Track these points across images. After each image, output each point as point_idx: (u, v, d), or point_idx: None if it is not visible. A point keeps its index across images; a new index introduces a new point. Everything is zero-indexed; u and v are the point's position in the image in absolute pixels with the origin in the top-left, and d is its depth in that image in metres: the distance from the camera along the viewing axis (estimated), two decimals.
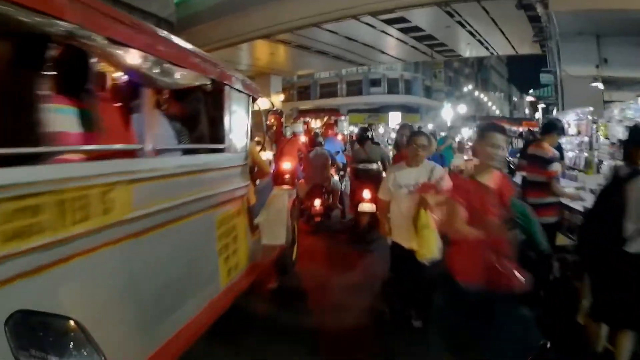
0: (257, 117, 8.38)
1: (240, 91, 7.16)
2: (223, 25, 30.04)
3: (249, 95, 7.64)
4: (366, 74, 70.72)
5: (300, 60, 43.63)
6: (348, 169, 15.36)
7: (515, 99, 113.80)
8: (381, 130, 36.70)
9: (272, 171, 12.06)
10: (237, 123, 6.99)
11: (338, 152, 15.92)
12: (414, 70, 74.38)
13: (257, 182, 8.53)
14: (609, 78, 24.85)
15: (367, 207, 11.72)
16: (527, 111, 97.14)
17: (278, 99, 47.08)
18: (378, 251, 10.83)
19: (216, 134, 6.59)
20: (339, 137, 20.34)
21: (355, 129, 33.85)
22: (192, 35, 28.22)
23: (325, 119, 19.63)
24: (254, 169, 8.12)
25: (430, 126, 37.22)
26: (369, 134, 13.36)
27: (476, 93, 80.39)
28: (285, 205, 8.69)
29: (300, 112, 48.87)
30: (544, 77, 29.48)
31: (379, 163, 12.36)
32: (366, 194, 11.74)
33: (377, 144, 13.97)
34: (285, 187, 10.28)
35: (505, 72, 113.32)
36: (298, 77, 66.04)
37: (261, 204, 8.20)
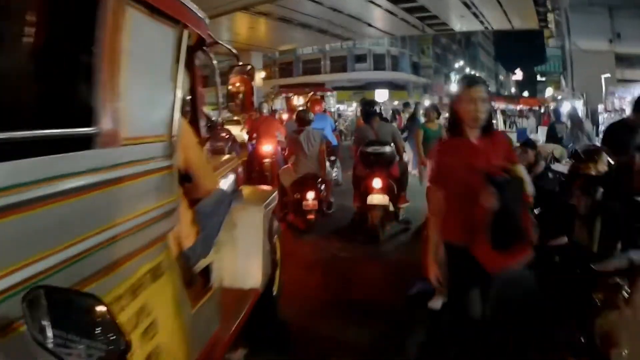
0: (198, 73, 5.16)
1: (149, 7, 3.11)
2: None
3: (177, 23, 3.58)
4: (351, 50, 68.93)
5: (282, 35, 42.19)
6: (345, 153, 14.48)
7: (501, 77, 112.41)
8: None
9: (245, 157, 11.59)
10: (139, 78, 3.10)
11: (328, 130, 14.44)
12: (402, 45, 71.57)
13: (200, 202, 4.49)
14: (622, 54, 23.65)
15: (378, 198, 10.13)
16: (513, 90, 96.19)
17: (259, 76, 45.05)
18: (395, 253, 9.75)
19: (77, 102, 2.75)
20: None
21: (342, 107, 31.76)
22: None
23: (311, 94, 17.95)
24: (187, 177, 4.11)
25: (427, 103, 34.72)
26: (377, 108, 11.82)
27: (467, 70, 78.22)
28: (262, 230, 5.66)
29: (282, 87, 46.91)
30: (550, 51, 27.78)
31: (392, 145, 10.85)
32: (377, 182, 10.19)
33: (387, 120, 13.31)
34: (262, 188, 7.24)
35: (492, 51, 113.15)
36: (280, 53, 64.11)
37: (209, 235, 4.47)
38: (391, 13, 36.30)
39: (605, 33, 23.18)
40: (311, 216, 10.79)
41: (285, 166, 11.57)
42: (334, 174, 14.56)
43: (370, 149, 10.57)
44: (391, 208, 10.61)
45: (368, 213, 10.32)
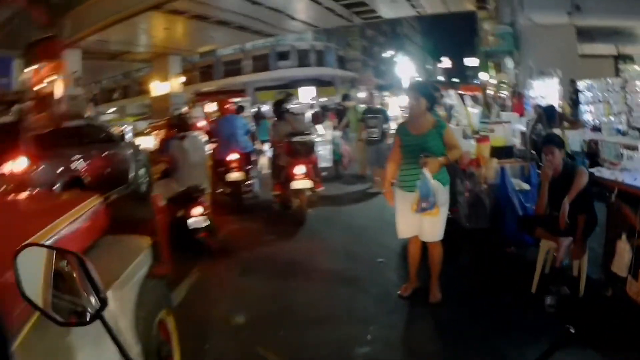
0: None
1: None
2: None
3: None
4: (273, 47, 65.34)
5: (200, 35, 40.37)
6: (266, 151, 15.29)
7: (429, 67, 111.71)
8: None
9: None
10: None
11: (244, 131, 13.89)
12: (327, 39, 69.83)
13: None
14: (582, 28, 23.07)
15: (304, 183, 11.38)
16: (441, 78, 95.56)
17: (177, 82, 42.15)
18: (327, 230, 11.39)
19: None
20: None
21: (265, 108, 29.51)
22: (78, 15, 28.35)
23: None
24: None
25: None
26: (287, 105, 13.05)
27: (395, 61, 76.49)
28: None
29: (199, 95, 44.49)
30: (500, 29, 26.09)
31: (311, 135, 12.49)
32: (301, 169, 11.36)
33: (298, 114, 13.97)
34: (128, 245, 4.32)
35: (419, 41, 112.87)
36: (200, 55, 61.27)
37: None
38: (316, 2, 34.99)
39: (564, 5, 22.33)
40: (202, 234, 9.64)
41: (164, 179, 10.44)
42: (249, 184, 14.05)
43: (295, 139, 11.74)
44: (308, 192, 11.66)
45: (293, 198, 11.53)
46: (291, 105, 13.52)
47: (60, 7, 28.38)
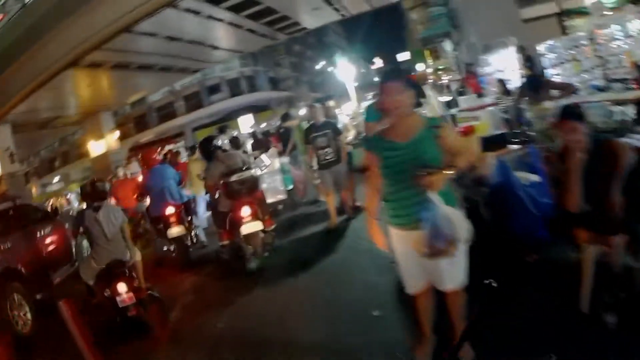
0: None
1: None
2: (26, 65, 27.34)
3: None
4: (202, 82, 64.33)
5: (125, 84, 38.88)
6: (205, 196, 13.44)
7: (363, 70, 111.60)
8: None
9: None
10: None
11: (176, 180, 13.04)
12: (254, 63, 69.10)
13: None
14: None
15: (254, 225, 10.45)
16: (375, 79, 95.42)
17: (114, 138, 40.89)
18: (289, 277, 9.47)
19: None
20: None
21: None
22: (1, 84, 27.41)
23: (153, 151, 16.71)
24: None
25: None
26: (217, 142, 12.04)
27: (329, 70, 75.80)
28: None
29: (135, 149, 43.11)
30: (435, 10, 25.94)
31: (252, 168, 11.36)
32: (247, 210, 10.45)
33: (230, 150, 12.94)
34: None
35: (347, 47, 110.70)
36: (131, 106, 60.45)
37: None
38: (235, 25, 33.89)
39: None
40: (133, 312, 8.68)
41: (85, 258, 9.26)
42: (194, 236, 13.25)
43: (233, 178, 10.63)
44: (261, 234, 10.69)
45: (244, 245, 10.47)
46: (220, 141, 12.37)
47: None
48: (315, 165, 11.94)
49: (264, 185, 13.03)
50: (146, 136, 62.48)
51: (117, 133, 45.02)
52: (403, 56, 71.90)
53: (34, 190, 52.86)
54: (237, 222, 10.39)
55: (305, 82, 78.76)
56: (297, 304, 8.21)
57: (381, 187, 4.99)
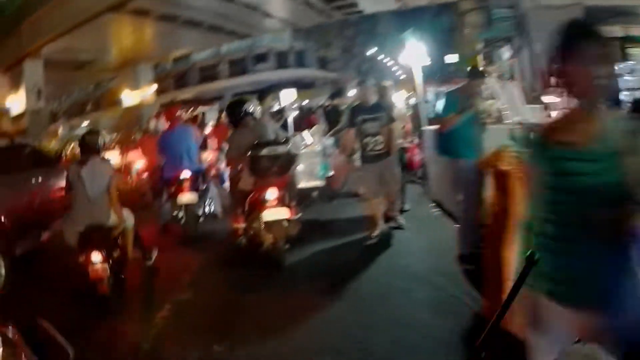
0: None
1: None
2: (66, 3, 26.62)
3: None
4: (250, 49, 63.68)
5: (170, 38, 38.56)
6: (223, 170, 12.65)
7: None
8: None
9: None
10: None
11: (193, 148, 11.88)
12: (306, 39, 68.03)
13: None
14: (590, 8, 22.20)
15: (278, 212, 8.56)
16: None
17: (150, 92, 40.52)
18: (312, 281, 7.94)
19: None
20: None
21: None
22: (36, 23, 27.01)
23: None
24: None
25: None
26: (249, 107, 9.85)
27: (379, 59, 74.79)
28: None
29: (164, 106, 42.52)
30: (497, 13, 24.83)
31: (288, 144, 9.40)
32: (272, 193, 8.61)
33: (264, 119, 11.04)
34: None
35: (397, 40, 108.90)
36: (173, 63, 60.76)
37: None
38: None
39: None
40: (101, 288, 7.57)
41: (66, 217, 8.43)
42: (206, 207, 12.12)
43: (264, 152, 9.05)
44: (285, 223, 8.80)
45: (263, 233, 8.71)
46: (253, 108, 10.07)
47: (16, 15, 27.05)
48: (357, 155, 9.82)
49: (299, 167, 11.66)
50: (183, 95, 61.46)
51: (154, 87, 45.03)
52: (451, 58, 70.31)
53: (60, 131, 52.23)
54: (259, 206, 8.67)
55: (353, 67, 77.51)
56: (313, 330, 6.14)
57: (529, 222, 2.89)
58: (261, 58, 65.70)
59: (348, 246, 9.45)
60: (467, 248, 7.47)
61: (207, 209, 12.15)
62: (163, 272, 8.95)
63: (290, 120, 16.27)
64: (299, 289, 7.66)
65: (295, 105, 23.56)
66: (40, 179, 11.12)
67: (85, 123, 64.19)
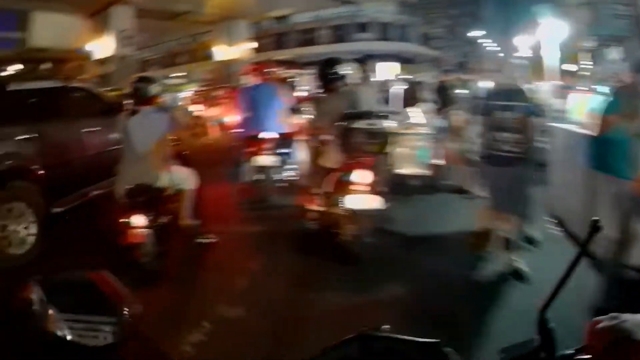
0: None
1: None
2: None
3: None
4: (352, 17, 62.78)
5: None
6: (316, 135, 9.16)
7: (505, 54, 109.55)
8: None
9: None
10: None
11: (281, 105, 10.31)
12: (410, 13, 66.62)
13: None
14: None
15: (369, 200, 6.99)
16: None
17: (245, 48, 39.89)
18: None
19: None
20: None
21: None
22: None
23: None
24: None
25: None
26: (343, 69, 7.91)
27: (483, 41, 72.78)
28: None
29: (256, 64, 42.16)
30: (611, 9, 23.66)
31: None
32: (363, 176, 7.08)
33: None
34: None
35: (499, 27, 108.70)
36: (270, 21, 61.64)
37: None
38: None
39: None
40: (138, 254, 6.78)
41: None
42: (284, 173, 10.91)
43: (361, 124, 7.22)
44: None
45: (343, 222, 7.15)
46: (347, 70, 8.11)
47: None
48: (477, 153, 7.09)
49: (399, 148, 10.34)
50: (279, 56, 59.92)
51: (249, 45, 44.97)
52: (551, 54, 68.08)
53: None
54: (344, 188, 7.16)
55: (454, 48, 75.58)
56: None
57: None
58: (363, 27, 64.45)
59: (447, 261, 6.94)
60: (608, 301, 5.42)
61: (285, 177, 10.96)
62: (216, 250, 7.86)
63: (392, 94, 14.50)
64: (376, 296, 6.06)
65: (401, 79, 20.85)
66: (93, 129, 9.86)
67: (177, 74, 64.65)
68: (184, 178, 7.78)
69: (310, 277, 6.75)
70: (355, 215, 7.07)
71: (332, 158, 7.53)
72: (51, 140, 8.62)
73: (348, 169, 7.20)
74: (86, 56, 30.54)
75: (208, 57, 51.84)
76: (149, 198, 7.18)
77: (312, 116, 8.19)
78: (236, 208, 10.12)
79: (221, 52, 42.06)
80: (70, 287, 1.89)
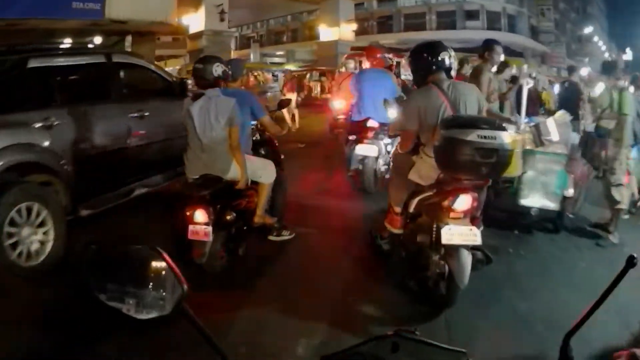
0: None
1: None
2: None
3: None
4: (461, 4, 61.70)
5: None
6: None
7: (612, 55, 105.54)
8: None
9: None
10: None
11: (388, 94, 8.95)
12: (519, 4, 64.93)
13: None
14: None
15: (464, 234, 5.23)
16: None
17: (349, 29, 39.04)
18: None
19: None
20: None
21: None
22: None
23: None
24: None
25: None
26: (447, 58, 5.95)
27: (596, 39, 70.01)
28: None
29: (353, 49, 41.44)
30: None
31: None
32: (463, 202, 5.29)
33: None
34: None
35: (606, 26, 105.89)
36: (378, 2, 60.03)
37: None
38: None
39: None
40: (197, 254, 6.20)
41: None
42: (382, 166, 10.04)
43: (474, 136, 5.05)
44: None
45: (433, 257, 5.55)
46: (451, 61, 6.20)
47: None
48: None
49: (525, 173, 8.02)
50: (384, 40, 58.56)
51: (354, 26, 44.14)
52: None
53: (252, 56, 52.67)
54: (437, 214, 5.47)
55: (564, 43, 72.92)
56: None
57: None
58: (471, 15, 62.85)
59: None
60: None
61: (383, 169, 10.14)
62: (289, 252, 7.25)
63: (515, 95, 11.22)
64: None
65: (529, 76, 16.65)
66: (144, 113, 8.38)
67: (281, 53, 64.44)
68: (261, 170, 7.26)
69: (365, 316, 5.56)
70: (451, 251, 5.41)
71: (425, 172, 5.93)
72: (81, 128, 7.31)
73: (446, 191, 5.58)
74: (176, 30, 30.18)
75: (312, 37, 51.44)
76: (217, 191, 6.65)
77: (405, 115, 6.36)
78: (325, 201, 9.53)
79: (325, 32, 41.61)
80: (123, 258, 1.87)
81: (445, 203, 5.36)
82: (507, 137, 5.22)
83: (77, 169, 6.98)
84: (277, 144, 8.23)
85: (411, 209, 6.06)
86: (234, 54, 37.94)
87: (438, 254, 5.54)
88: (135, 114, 8.14)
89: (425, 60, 6.13)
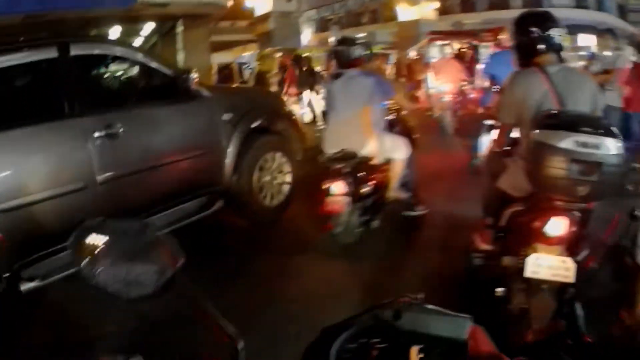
0: None
1: None
2: None
3: None
4: None
5: None
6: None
7: None
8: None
9: None
10: None
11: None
12: None
13: None
14: None
15: (560, 267, 4.09)
16: None
17: (428, 7, 38.51)
18: None
19: None
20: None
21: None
22: None
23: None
24: None
25: None
26: (558, 34, 4.70)
27: None
28: None
29: (433, 33, 40.29)
30: None
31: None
32: (561, 225, 4.12)
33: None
34: None
35: None
36: None
37: None
38: None
39: None
40: (334, 222, 7.00)
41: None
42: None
43: (570, 144, 3.87)
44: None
45: (521, 291, 4.40)
46: (559, 39, 4.81)
47: None
48: None
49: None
50: (469, 19, 55.59)
51: (435, 4, 44.49)
52: None
53: (330, 40, 52.73)
54: (532, 238, 4.27)
55: None
56: None
57: None
58: None
59: None
60: None
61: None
62: (420, 227, 7.90)
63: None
64: None
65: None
66: (118, 130, 6.00)
67: (362, 35, 64.17)
68: (395, 147, 7.64)
69: None
70: (541, 286, 4.25)
71: (517, 181, 4.76)
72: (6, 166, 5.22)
73: (544, 211, 4.29)
74: (233, 13, 28.84)
75: (392, 18, 50.77)
76: (353, 165, 7.13)
77: (500, 104, 5.24)
78: (457, 182, 9.86)
79: (405, 12, 41.00)
80: (121, 233, 1.88)
81: (537, 224, 4.20)
82: (615, 145, 3.88)
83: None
84: (410, 124, 8.47)
85: (503, 223, 4.95)
86: (313, 38, 37.70)
87: (527, 289, 4.35)
88: (102, 132, 5.84)
89: (530, 35, 4.83)
